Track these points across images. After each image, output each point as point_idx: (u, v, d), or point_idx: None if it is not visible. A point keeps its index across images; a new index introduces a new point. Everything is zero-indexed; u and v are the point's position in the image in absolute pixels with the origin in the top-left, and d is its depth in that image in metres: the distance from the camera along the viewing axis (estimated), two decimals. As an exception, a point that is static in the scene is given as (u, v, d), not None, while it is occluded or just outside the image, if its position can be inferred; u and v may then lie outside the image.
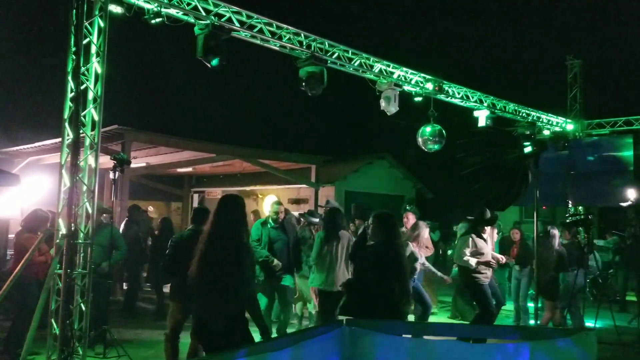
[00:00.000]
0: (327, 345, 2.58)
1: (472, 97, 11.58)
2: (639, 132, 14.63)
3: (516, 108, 12.73)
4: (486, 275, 7.23)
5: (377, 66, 9.73)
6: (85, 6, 6.05)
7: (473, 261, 7.11)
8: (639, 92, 21.76)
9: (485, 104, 11.83)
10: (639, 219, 8.98)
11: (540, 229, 7.39)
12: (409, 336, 2.90)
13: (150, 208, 12.39)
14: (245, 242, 4.33)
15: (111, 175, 7.24)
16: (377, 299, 4.35)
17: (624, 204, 12.37)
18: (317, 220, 8.36)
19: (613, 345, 7.58)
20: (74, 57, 5.99)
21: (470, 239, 7.27)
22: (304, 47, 8.54)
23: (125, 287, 10.01)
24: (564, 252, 7.94)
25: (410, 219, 8.60)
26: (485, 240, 7.44)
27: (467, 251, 7.20)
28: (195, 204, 21.07)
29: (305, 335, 2.56)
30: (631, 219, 8.93)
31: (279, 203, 7.58)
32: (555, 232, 8.12)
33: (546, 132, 14.31)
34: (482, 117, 11.79)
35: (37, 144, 13.65)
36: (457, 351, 2.72)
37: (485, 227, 7.53)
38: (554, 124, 14.30)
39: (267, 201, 19.13)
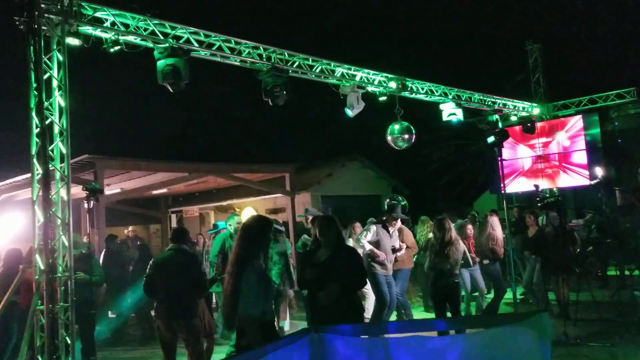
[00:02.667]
0: (298, 352, 2.65)
1: (437, 91, 11.76)
2: (604, 109, 15.06)
3: (481, 97, 12.95)
4: (384, 267, 7.69)
5: (339, 70, 9.85)
6: (42, 42, 6.05)
7: (368, 247, 7.60)
8: (600, 70, 22.25)
9: (450, 96, 12.02)
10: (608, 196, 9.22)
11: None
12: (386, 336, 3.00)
13: (131, 228, 12.56)
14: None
15: (85, 205, 7.25)
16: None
17: (592, 182, 12.70)
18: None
19: (594, 322, 7.80)
20: (36, 92, 5.97)
21: (374, 227, 7.73)
22: (264, 59, 8.62)
23: (110, 315, 9.93)
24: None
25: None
26: (390, 234, 7.90)
27: (368, 237, 7.72)
28: (174, 224, 20.97)
29: (275, 346, 2.62)
30: (600, 196, 9.17)
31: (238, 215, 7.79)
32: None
33: (513, 118, 14.62)
34: (447, 109, 11.97)
35: (8, 181, 13.48)
36: (418, 345, 2.84)
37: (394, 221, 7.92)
38: (521, 109, 14.59)
39: (245, 214, 19.13)
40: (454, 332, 3.91)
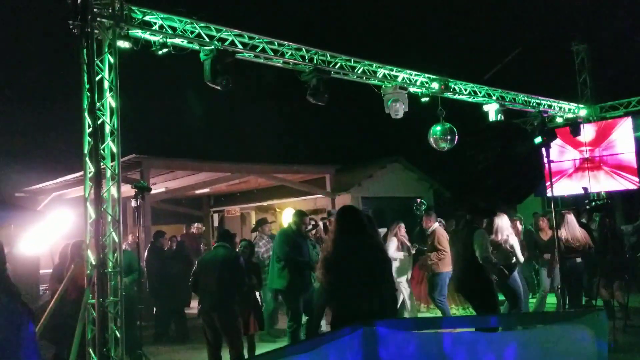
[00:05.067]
0: (350, 346, 2.68)
1: (480, 92, 11.62)
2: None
3: (526, 98, 12.71)
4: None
5: (381, 71, 9.85)
6: (94, 44, 6.30)
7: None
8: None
9: (494, 98, 11.85)
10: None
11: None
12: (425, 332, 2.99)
13: (197, 224, 13.08)
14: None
15: (133, 203, 7.48)
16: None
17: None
18: None
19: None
20: (89, 93, 6.22)
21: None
22: (307, 60, 8.71)
23: (155, 312, 10.19)
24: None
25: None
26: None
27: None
28: (216, 224, 21.32)
29: (326, 339, 2.66)
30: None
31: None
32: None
33: (559, 120, 14.28)
34: (491, 111, 11.82)
35: (59, 180, 13.99)
36: (473, 341, 2.82)
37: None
38: (567, 110, 14.26)
39: (286, 214, 19.30)
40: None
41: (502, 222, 7.64)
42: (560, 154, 14.82)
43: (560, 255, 8.01)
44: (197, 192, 17.91)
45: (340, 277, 4.37)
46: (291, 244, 7.25)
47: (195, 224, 13.98)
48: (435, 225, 8.85)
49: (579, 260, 8.23)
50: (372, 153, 23.11)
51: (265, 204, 19.98)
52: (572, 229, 8.26)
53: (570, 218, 8.36)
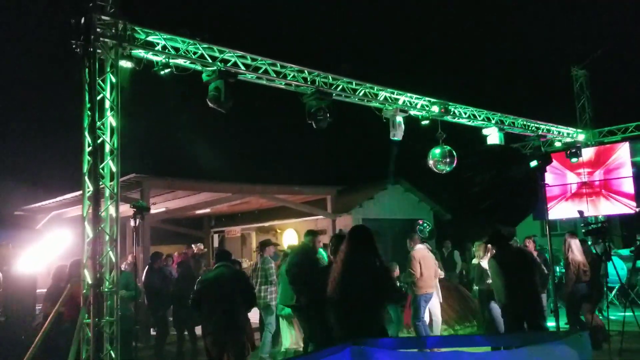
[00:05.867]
0: None
1: (479, 116, 11.69)
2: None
3: (525, 122, 12.78)
4: None
5: (382, 94, 9.92)
6: (97, 64, 6.36)
7: None
8: (649, 95, 21.64)
9: (493, 121, 11.91)
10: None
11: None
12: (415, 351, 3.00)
13: (198, 244, 13.04)
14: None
15: (132, 223, 7.47)
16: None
17: (638, 209, 12.29)
18: None
19: (638, 352, 7.51)
20: (89, 113, 6.26)
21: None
22: (309, 82, 8.78)
23: (152, 332, 10.13)
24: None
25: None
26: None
27: None
28: (216, 244, 21.26)
29: (317, 356, 2.65)
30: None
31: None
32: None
33: (558, 144, 14.34)
34: (492, 134, 11.89)
35: (58, 199, 14.00)
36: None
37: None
38: (565, 134, 14.32)
39: (286, 235, 19.26)
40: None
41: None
42: (558, 178, 14.86)
43: (569, 279, 8.04)
44: (198, 212, 17.92)
45: (347, 295, 4.48)
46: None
47: (197, 244, 13.92)
48: (416, 248, 8.79)
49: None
50: (373, 175, 23.13)
51: (266, 224, 19.96)
52: (581, 252, 8.27)
53: (576, 242, 8.33)
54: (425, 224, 11.34)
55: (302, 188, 16.70)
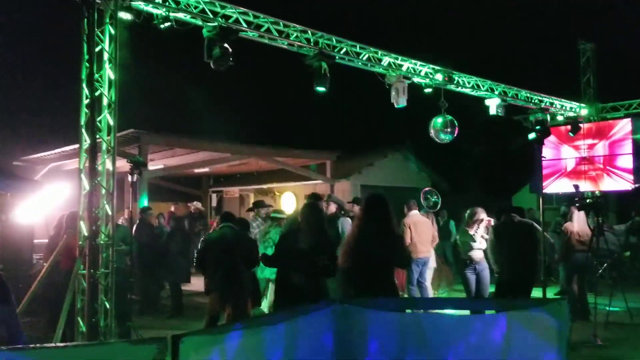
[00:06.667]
0: (320, 321, 2.73)
1: (483, 86, 11.59)
2: (656, 114, 14.53)
3: (528, 95, 12.69)
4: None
5: (386, 59, 9.81)
6: (96, 15, 6.27)
7: None
8: (656, 73, 21.43)
9: (497, 92, 11.82)
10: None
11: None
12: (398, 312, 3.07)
13: (195, 203, 13.05)
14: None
15: (130, 178, 7.50)
16: None
17: (635, 186, 12.32)
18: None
19: (624, 325, 7.64)
20: (87, 64, 6.22)
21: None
22: (312, 44, 8.66)
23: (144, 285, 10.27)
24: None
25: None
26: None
27: None
28: (214, 204, 21.37)
29: (300, 312, 2.72)
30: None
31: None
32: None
33: (560, 118, 14.27)
34: (493, 105, 11.83)
35: (57, 151, 14.01)
36: (440, 323, 2.90)
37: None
38: (568, 109, 14.23)
39: (285, 198, 19.34)
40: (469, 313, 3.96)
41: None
42: (559, 152, 14.86)
43: (567, 248, 8.13)
44: (196, 171, 17.95)
45: (360, 262, 4.63)
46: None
47: (194, 203, 13.86)
48: (409, 214, 8.84)
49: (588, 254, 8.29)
50: (374, 142, 23.09)
51: (264, 186, 20.03)
52: (582, 224, 8.32)
53: (580, 213, 8.38)
54: (433, 194, 11.32)
55: (302, 152, 16.69)
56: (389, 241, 4.75)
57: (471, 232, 7.57)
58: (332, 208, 8.39)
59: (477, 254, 7.53)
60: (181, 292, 9.55)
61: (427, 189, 12.06)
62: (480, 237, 7.48)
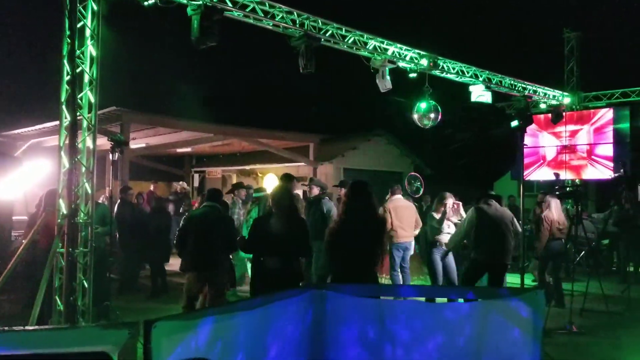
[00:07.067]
0: (297, 306, 2.75)
1: (467, 72, 11.61)
2: (635, 104, 14.73)
3: (512, 82, 12.75)
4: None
5: (371, 43, 9.77)
6: (78, -11, 6.14)
7: None
8: (636, 63, 21.67)
9: (481, 79, 11.86)
10: (630, 191, 9.06)
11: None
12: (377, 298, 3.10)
13: (181, 183, 12.92)
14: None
15: (110, 157, 7.43)
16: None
17: (615, 175, 12.51)
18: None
19: (599, 313, 7.79)
20: (69, 40, 6.09)
21: None
22: (297, 25, 8.59)
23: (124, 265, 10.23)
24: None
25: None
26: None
27: None
28: (196, 184, 21.27)
29: (277, 297, 2.73)
30: (621, 190, 9.02)
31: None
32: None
33: (543, 106, 14.39)
34: (476, 92, 11.86)
35: (37, 127, 13.81)
36: (416, 310, 2.94)
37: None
38: (551, 97, 14.33)
39: (267, 180, 19.32)
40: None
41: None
42: (540, 140, 15.03)
43: (543, 235, 8.27)
44: (179, 150, 17.83)
45: (344, 245, 4.78)
46: None
47: (180, 183, 13.75)
48: (391, 198, 8.82)
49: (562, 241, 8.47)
50: (357, 126, 23.10)
51: (247, 167, 19.98)
52: (559, 212, 8.44)
53: (557, 201, 8.50)
54: (416, 179, 11.38)
55: (286, 134, 16.65)
56: (370, 229, 4.85)
57: (439, 216, 7.74)
58: (315, 191, 8.41)
59: (445, 237, 7.70)
60: (164, 272, 9.53)
61: (411, 173, 12.12)
62: (447, 220, 7.66)
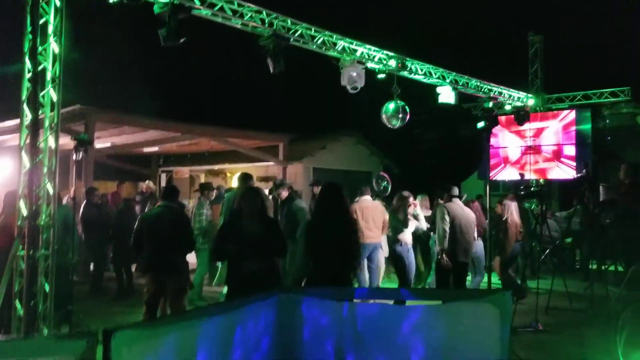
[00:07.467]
0: (263, 311, 2.72)
1: (435, 74, 11.74)
2: (597, 106, 15.16)
3: (478, 84, 12.96)
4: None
5: (340, 43, 9.79)
6: (39, -15, 5.97)
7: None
8: (597, 66, 22.28)
9: (448, 80, 12.01)
10: (592, 191, 9.28)
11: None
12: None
13: (147, 182, 12.61)
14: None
15: (74, 157, 7.24)
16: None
17: (577, 175, 12.82)
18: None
19: (563, 311, 7.96)
20: (31, 37, 5.92)
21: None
22: (266, 25, 8.54)
23: (92, 268, 10.02)
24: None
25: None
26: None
27: None
28: (164, 184, 20.94)
29: (241, 303, 2.69)
30: (584, 189, 9.23)
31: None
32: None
33: (508, 107, 14.65)
34: (444, 93, 12.01)
35: (-3, 126, 13.37)
36: (381, 312, 2.95)
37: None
38: (516, 98, 14.60)
39: (236, 180, 19.16)
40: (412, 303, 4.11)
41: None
42: (506, 141, 15.30)
43: (510, 239, 8.45)
44: (146, 150, 17.53)
45: (319, 247, 4.89)
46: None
47: (146, 182, 13.37)
48: (360, 199, 8.74)
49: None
50: (327, 125, 23.13)
51: (216, 167, 19.77)
52: (518, 214, 8.65)
53: (515, 204, 8.68)
54: (383, 179, 11.43)
55: (255, 133, 16.54)
56: (343, 231, 4.93)
57: (400, 215, 7.84)
58: (284, 193, 8.34)
59: (408, 235, 7.79)
60: (130, 274, 9.35)
61: (378, 173, 12.19)
62: (409, 219, 7.79)
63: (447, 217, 7.22)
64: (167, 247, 5.96)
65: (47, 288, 6.00)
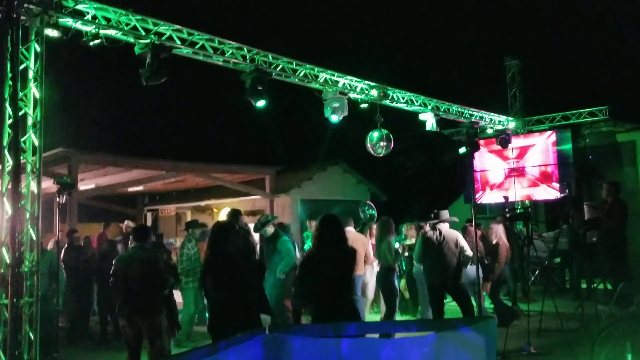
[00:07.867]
0: (249, 352, 2.66)
1: (416, 101, 11.89)
2: (576, 126, 15.42)
3: (459, 109, 13.12)
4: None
5: (322, 76, 9.89)
6: (20, 32, 5.99)
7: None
8: (575, 87, 22.73)
9: (430, 107, 12.16)
10: (576, 210, 9.37)
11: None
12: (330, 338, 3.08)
13: (126, 222, 12.46)
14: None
15: (58, 200, 7.18)
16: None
17: (560, 196, 12.95)
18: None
19: (555, 332, 7.93)
20: (11, 83, 5.92)
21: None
22: (248, 60, 8.62)
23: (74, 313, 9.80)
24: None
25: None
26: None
27: None
28: (149, 223, 20.76)
29: (227, 344, 2.63)
30: (568, 209, 9.32)
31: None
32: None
33: (489, 131, 14.83)
34: (428, 120, 12.19)
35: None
36: (372, 346, 2.93)
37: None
38: (497, 122, 14.80)
39: (223, 215, 19.05)
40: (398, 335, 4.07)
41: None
42: (489, 164, 15.45)
43: (502, 262, 8.48)
44: (130, 189, 17.43)
45: (314, 283, 4.79)
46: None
47: (126, 222, 13.27)
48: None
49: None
50: (312, 156, 23.21)
51: (202, 203, 19.69)
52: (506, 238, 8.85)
53: (501, 226, 8.89)
54: (369, 208, 11.46)
55: (240, 167, 16.54)
56: (342, 263, 4.88)
57: (390, 244, 7.96)
58: (271, 229, 8.27)
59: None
60: (115, 317, 9.15)
61: (364, 201, 12.25)
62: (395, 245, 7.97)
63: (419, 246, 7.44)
64: (139, 288, 5.75)
65: (32, 336, 5.87)
